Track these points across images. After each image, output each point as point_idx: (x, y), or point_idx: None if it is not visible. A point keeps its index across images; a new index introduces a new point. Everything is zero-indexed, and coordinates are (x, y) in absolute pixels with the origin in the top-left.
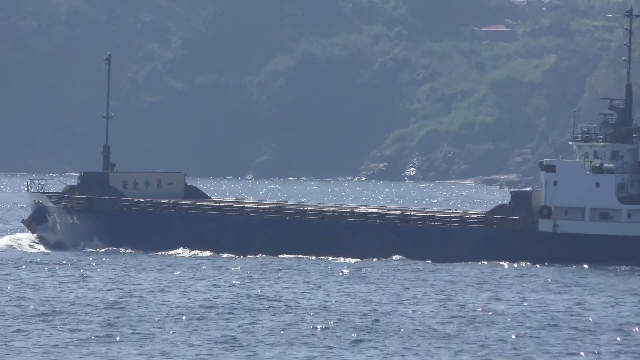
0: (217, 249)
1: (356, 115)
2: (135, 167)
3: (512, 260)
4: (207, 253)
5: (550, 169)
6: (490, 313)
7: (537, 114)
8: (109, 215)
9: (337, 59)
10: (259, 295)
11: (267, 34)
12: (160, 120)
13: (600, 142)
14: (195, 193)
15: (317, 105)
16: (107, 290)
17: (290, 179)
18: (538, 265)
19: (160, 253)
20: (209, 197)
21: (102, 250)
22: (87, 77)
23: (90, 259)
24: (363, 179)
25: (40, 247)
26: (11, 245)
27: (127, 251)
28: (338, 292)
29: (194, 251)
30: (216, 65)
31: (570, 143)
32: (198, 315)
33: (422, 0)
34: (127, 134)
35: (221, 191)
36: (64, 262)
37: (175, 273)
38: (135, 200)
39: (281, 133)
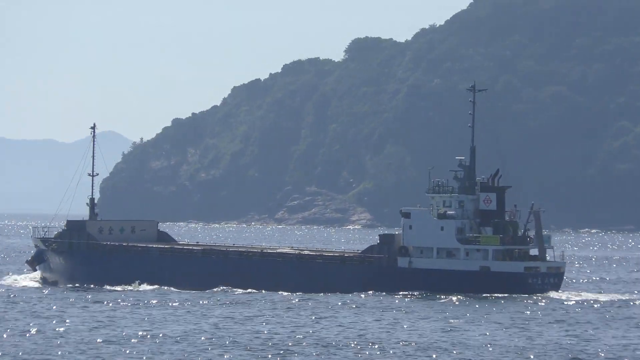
0: (163, 281)
1: None
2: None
3: (379, 290)
4: (153, 287)
5: (406, 215)
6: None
7: None
8: (84, 256)
9: None
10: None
11: None
12: (629, 183)
13: (448, 193)
14: (165, 237)
15: None
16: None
17: None
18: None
19: (120, 287)
20: (176, 241)
21: (77, 285)
22: (567, 153)
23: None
24: None
25: (35, 284)
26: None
27: (93, 285)
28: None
29: (145, 285)
30: None
31: (427, 194)
32: None
33: None
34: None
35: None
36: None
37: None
38: (104, 243)
39: None
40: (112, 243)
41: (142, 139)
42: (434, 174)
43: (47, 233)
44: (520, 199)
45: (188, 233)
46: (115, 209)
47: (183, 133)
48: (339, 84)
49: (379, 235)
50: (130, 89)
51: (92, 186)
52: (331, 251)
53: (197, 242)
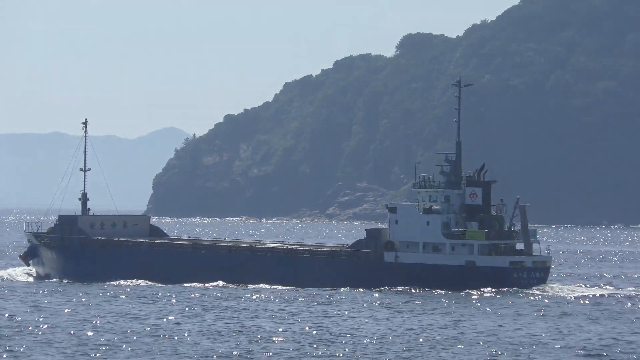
0: (154, 276)
1: None
2: None
3: (365, 285)
4: (143, 282)
5: (392, 210)
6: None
7: None
8: (76, 251)
9: None
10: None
11: None
12: None
13: (434, 188)
14: (157, 232)
15: None
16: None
17: None
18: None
19: (110, 282)
20: (168, 236)
21: (69, 280)
22: (619, 148)
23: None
24: None
25: (28, 278)
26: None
27: (85, 280)
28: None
29: (136, 280)
30: None
31: (413, 189)
32: None
33: None
34: None
35: None
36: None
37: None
38: (94, 238)
39: None
40: (103, 238)
41: (194, 135)
42: (419, 170)
43: (40, 228)
44: (578, 194)
45: (236, 228)
46: (168, 205)
47: (235, 129)
48: (390, 79)
49: (366, 229)
50: (187, 85)
51: (85, 181)
52: (319, 246)
53: (189, 237)
